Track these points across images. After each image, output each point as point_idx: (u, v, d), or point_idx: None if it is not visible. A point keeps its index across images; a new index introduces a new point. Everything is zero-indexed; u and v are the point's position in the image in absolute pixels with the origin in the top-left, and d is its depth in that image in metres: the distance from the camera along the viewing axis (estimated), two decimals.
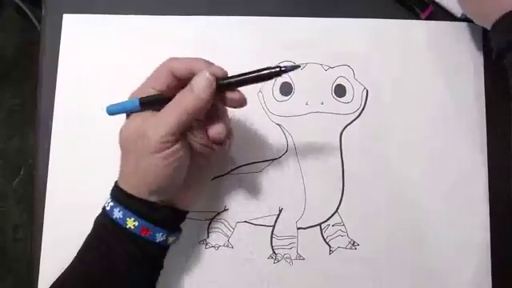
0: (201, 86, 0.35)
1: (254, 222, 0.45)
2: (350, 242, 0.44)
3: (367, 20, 0.46)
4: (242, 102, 0.37)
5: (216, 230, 0.45)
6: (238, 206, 0.45)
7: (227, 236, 0.45)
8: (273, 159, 0.45)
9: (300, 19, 0.47)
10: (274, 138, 0.45)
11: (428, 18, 0.46)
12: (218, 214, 0.45)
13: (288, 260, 0.44)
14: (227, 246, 0.44)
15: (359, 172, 0.45)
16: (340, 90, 0.46)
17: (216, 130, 0.37)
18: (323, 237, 0.44)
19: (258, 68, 0.35)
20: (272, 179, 0.45)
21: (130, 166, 0.36)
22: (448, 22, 0.46)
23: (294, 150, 0.45)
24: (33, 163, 0.47)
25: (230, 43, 0.47)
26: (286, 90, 0.46)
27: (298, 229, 0.45)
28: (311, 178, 0.45)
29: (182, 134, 0.36)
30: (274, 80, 0.46)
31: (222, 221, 0.45)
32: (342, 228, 0.45)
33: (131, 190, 0.36)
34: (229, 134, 0.38)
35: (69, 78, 0.47)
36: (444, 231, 0.44)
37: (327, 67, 0.46)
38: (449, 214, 0.44)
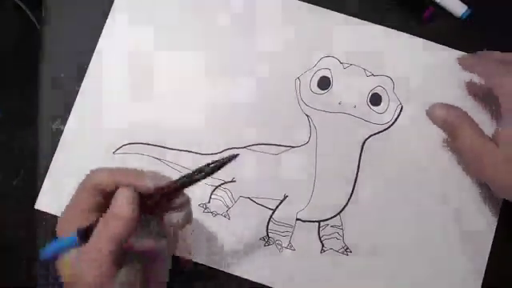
0: (124, 210, 0.32)
1: (256, 200, 0.45)
2: (343, 247, 0.44)
3: (425, 41, 0.46)
4: (182, 207, 0.35)
5: (218, 198, 0.45)
6: (245, 181, 0.45)
7: (227, 207, 0.45)
8: (292, 146, 0.45)
9: (354, 20, 0.47)
10: (299, 126, 0.46)
11: (428, 19, 0.46)
12: (225, 183, 0.45)
13: (279, 246, 0.44)
14: (225, 216, 0.45)
15: (371, 184, 0.45)
16: (375, 99, 0.46)
17: (174, 220, 0.35)
18: (319, 235, 0.44)
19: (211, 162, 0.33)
20: (285, 165, 0.45)
21: None
22: None
23: (314, 144, 0.45)
24: (33, 163, 0.47)
25: (279, 26, 0.47)
26: (324, 84, 0.46)
27: (297, 220, 0.45)
28: (323, 175, 0.45)
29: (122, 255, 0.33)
30: (314, 71, 0.46)
31: (227, 191, 0.45)
32: (340, 232, 0.44)
33: None
34: (189, 218, 0.36)
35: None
36: (443, 268, 0.44)
37: (370, 73, 0.46)
38: (452, 250, 0.44)
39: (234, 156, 0.33)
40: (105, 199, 0.34)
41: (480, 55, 0.44)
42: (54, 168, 0.46)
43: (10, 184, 0.49)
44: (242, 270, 0.44)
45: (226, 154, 0.45)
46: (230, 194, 0.45)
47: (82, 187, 0.34)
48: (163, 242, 0.37)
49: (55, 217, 0.45)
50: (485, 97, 0.44)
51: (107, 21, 0.47)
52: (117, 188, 0.33)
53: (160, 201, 0.34)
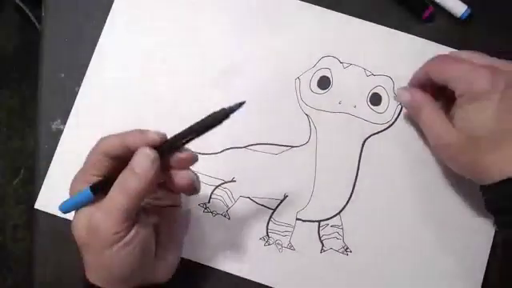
0: (143, 166, 0.33)
1: (256, 200, 0.45)
2: (343, 247, 0.44)
3: (424, 41, 0.46)
4: (191, 161, 0.35)
5: (218, 197, 0.45)
6: (245, 180, 0.45)
7: (227, 206, 0.45)
8: (292, 146, 0.45)
9: (354, 19, 0.47)
10: (299, 126, 0.46)
11: (428, 19, 0.46)
12: (225, 183, 0.45)
13: (279, 246, 0.44)
14: (224, 216, 0.45)
15: (371, 183, 0.45)
16: (375, 99, 0.46)
17: (186, 178, 0.35)
18: (319, 234, 0.45)
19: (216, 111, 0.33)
20: (285, 165, 0.45)
21: (91, 261, 0.35)
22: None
23: (314, 144, 0.45)
24: (33, 163, 0.47)
25: (279, 25, 0.47)
26: (324, 83, 0.46)
27: (297, 220, 0.45)
28: (323, 174, 0.45)
29: (137, 213, 0.34)
30: (314, 71, 0.46)
31: (227, 191, 0.45)
32: (340, 231, 0.45)
33: (101, 284, 0.35)
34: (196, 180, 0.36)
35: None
36: (443, 267, 0.44)
37: (369, 73, 0.46)
38: (453, 249, 0.44)
39: (242, 103, 0.33)
40: (116, 164, 0.35)
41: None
42: (54, 168, 0.46)
43: (10, 184, 0.49)
44: (242, 269, 0.44)
45: (226, 154, 0.45)
46: (229, 194, 0.45)
47: (93, 154, 0.36)
48: (179, 199, 0.39)
49: (55, 216, 0.45)
50: None
51: (107, 21, 0.47)
52: (127, 151, 0.34)
53: (169, 156, 0.35)
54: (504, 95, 0.36)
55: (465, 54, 0.41)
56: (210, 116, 0.33)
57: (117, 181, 0.34)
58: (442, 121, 0.39)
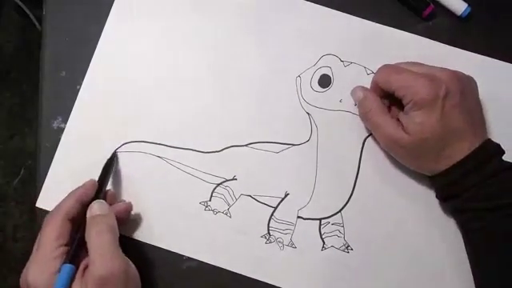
0: (104, 209, 0.40)
1: (257, 198, 0.45)
2: (344, 245, 0.44)
3: (425, 39, 0.46)
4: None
5: (219, 196, 0.45)
6: (246, 178, 0.45)
7: (228, 205, 0.45)
8: (293, 144, 0.46)
9: (354, 18, 0.47)
10: (300, 124, 0.46)
11: (429, 17, 0.47)
12: (226, 181, 0.45)
13: (280, 244, 0.44)
14: (226, 214, 0.45)
15: (372, 181, 0.45)
16: None
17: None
18: (320, 232, 0.45)
19: None
20: (286, 163, 0.45)
21: None
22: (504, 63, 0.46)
23: (315, 142, 0.46)
24: (33, 163, 0.47)
25: (280, 24, 0.47)
26: (325, 82, 0.46)
27: (298, 217, 0.45)
28: (324, 172, 0.45)
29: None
30: (315, 69, 0.46)
31: (228, 189, 0.45)
32: (341, 229, 0.45)
33: None
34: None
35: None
36: (444, 265, 0.44)
37: (370, 72, 0.46)
38: (453, 247, 0.44)
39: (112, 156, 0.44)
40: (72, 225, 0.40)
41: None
42: (56, 165, 0.46)
43: (10, 184, 0.49)
44: (244, 267, 0.44)
45: (227, 152, 0.46)
46: (231, 192, 0.45)
47: (52, 229, 0.38)
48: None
49: None
50: None
51: (108, 20, 0.47)
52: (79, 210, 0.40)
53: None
54: (445, 101, 0.40)
55: (404, 65, 0.43)
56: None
57: (88, 233, 0.38)
58: (389, 121, 0.42)
